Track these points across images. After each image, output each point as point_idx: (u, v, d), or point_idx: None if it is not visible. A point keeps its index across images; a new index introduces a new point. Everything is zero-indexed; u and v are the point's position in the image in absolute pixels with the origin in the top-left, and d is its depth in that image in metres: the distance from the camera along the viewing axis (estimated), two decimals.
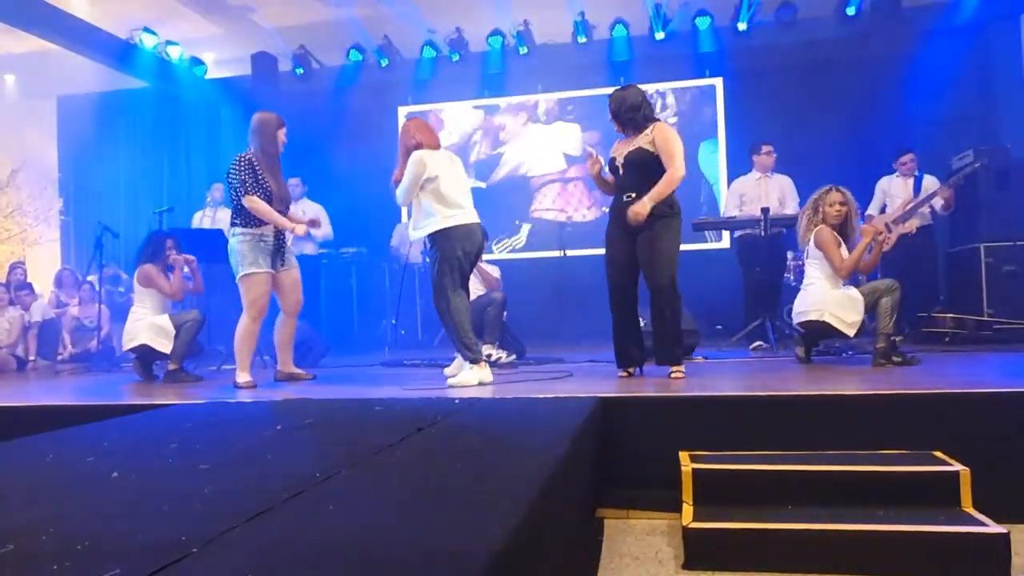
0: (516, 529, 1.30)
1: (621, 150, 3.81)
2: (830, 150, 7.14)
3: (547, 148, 8.31)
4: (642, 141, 3.70)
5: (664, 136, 3.65)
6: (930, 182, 5.89)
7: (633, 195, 3.67)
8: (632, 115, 3.73)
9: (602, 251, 3.91)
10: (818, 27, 7.43)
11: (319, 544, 1.24)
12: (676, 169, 3.60)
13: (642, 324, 4.86)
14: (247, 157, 4.02)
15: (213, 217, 6.77)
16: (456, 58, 8.13)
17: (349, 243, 7.35)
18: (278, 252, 4.08)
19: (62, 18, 7.06)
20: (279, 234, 4.09)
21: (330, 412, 2.81)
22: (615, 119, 3.80)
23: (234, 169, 3.99)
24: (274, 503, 1.49)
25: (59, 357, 6.58)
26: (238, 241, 3.98)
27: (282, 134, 4.11)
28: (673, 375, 3.68)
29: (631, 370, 3.87)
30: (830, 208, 4.17)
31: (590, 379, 3.83)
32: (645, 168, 3.66)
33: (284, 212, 4.12)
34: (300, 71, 8.38)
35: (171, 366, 4.52)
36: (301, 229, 4.12)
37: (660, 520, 2.77)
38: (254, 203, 3.95)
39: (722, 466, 2.62)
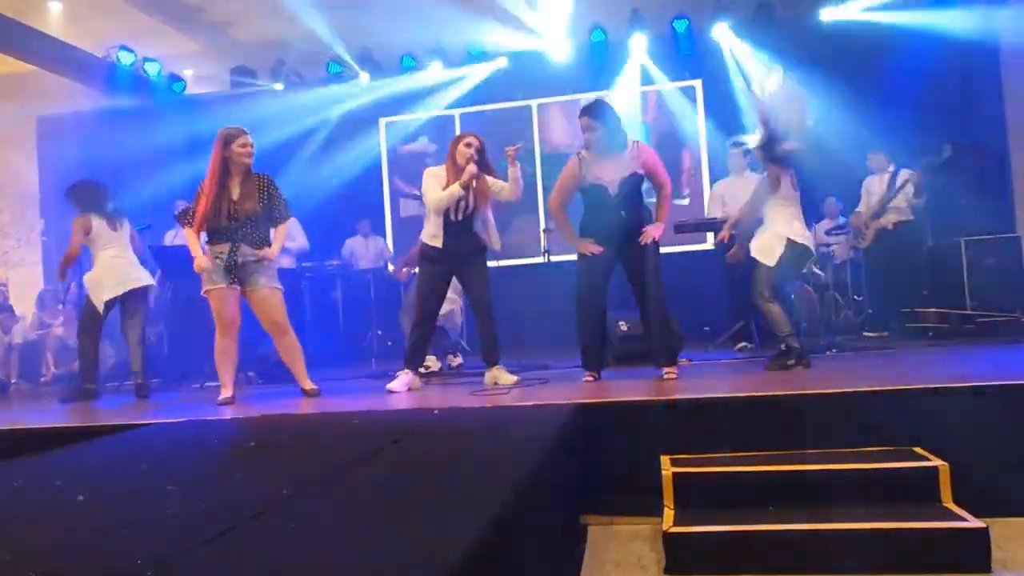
0: (478, 542, 1.27)
1: (610, 175, 3.77)
2: (811, 148, 7.16)
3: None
4: (632, 165, 3.77)
5: (652, 159, 3.83)
6: (906, 175, 5.93)
7: (624, 211, 3.79)
8: (621, 130, 3.80)
9: None
10: (796, 25, 7.46)
11: (275, 566, 1.21)
12: (668, 182, 3.87)
13: (625, 328, 4.90)
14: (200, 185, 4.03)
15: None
16: (436, 68, 8.13)
17: (331, 256, 7.33)
18: (231, 268, 3.99)
19: (38, 38, 7.02)
20: (232, 251, 3.99)
21: (307, 427, 2.78)
22: (611, 135, 3.73)
23: None
24: (236, 523, 1.46)
25: (42, 379, 6.52)
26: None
27: (238, 145, 3.95)
28: (667, 375, 3.77)
29: (598, 373, 3.93)
30: None
31: (572, 385, 3.81)
32: (632, 190, 3.82)
33: (244, 227, 3.98)
34: (279, 85, 8.37)
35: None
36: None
37: (644, 525, 2.75)
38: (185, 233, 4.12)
39: (702, 469, 2.61)
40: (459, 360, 5.69)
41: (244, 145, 3.98)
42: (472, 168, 3.94)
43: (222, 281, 3.98)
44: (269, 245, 4.06)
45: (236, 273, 4.00)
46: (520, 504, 1.62)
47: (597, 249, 3.82)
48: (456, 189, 3.94)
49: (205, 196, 3.95)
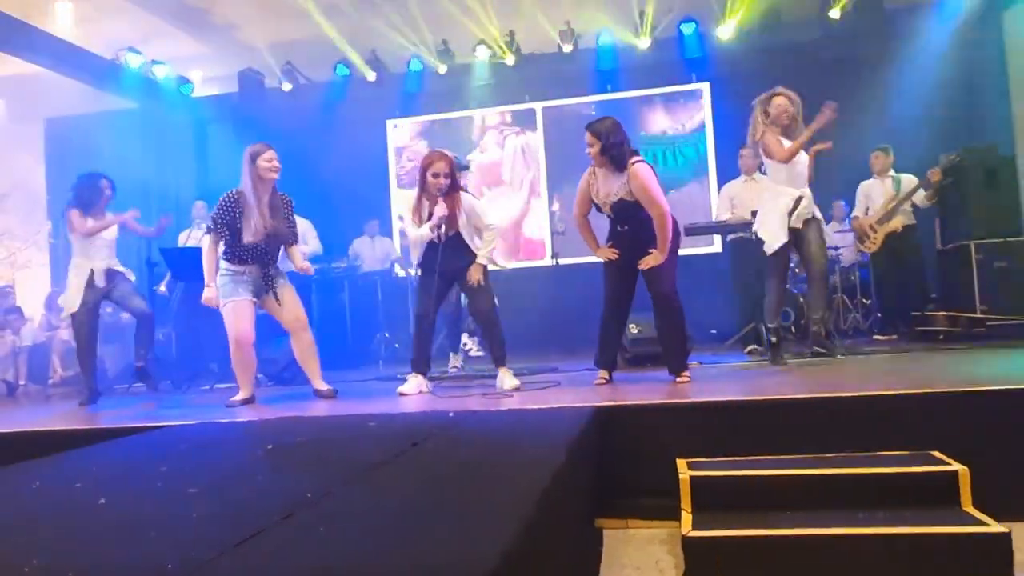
0: (511, 545, 1.27)
1: (604, 196, 3.78)
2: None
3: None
4: (621, 190, 3.72)
5: (640, 184, 3.67)
6: (908, 181, 5.91)
7: (626, 227, 3.80)
8: (618, 150, 3.70)
9: (595, 259, 4.00)
10: (802, 30, 7.47)
11: (307, 569, 1.21)
12: (662, 213, 3.67)
13: (636, 331, 4.90)
14: (228, 195, 4.00)
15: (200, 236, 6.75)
16: (443, 70, 8.15)
17: (338, 258, 7.33)
18: (264, 283, 4.05)
19: (47, 40, 7.03)
20: (264, 270, 4.04)
21: (323, 429, 2.78)
22: (603, 153, 3.69)
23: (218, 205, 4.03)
24: (263, 526, 1.46)
25: (50, 381, 6.52)
26: (220, 275, 4.00)
27: (263, 160, 3.95)
28: (680, 380, 3.77)
29: (609, 375, 3.96)
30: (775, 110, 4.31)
31: (586, 388, 3.80)
32: (630, 211, 3.77)
33: (272, 247, 4.03)
34: (287, 87, 8.38)
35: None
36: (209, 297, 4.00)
37: (660, 529, 2.75)
38: (204, 245, 4.04)
39: (720, 472, 2.60)
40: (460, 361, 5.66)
41: (269, 160, 3.97)
42: (441, 211, 3.95)
43: (246, 294, 4.00)
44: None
45: (269, 288, 4.05)
46: (544, 508, 1.62)
47: (613, 254, 3.84)
48: (426, 232, 4.00)
49: (243, 212, 3.94)
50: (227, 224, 3.96)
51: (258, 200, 3.95)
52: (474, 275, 4.04)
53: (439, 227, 3.99)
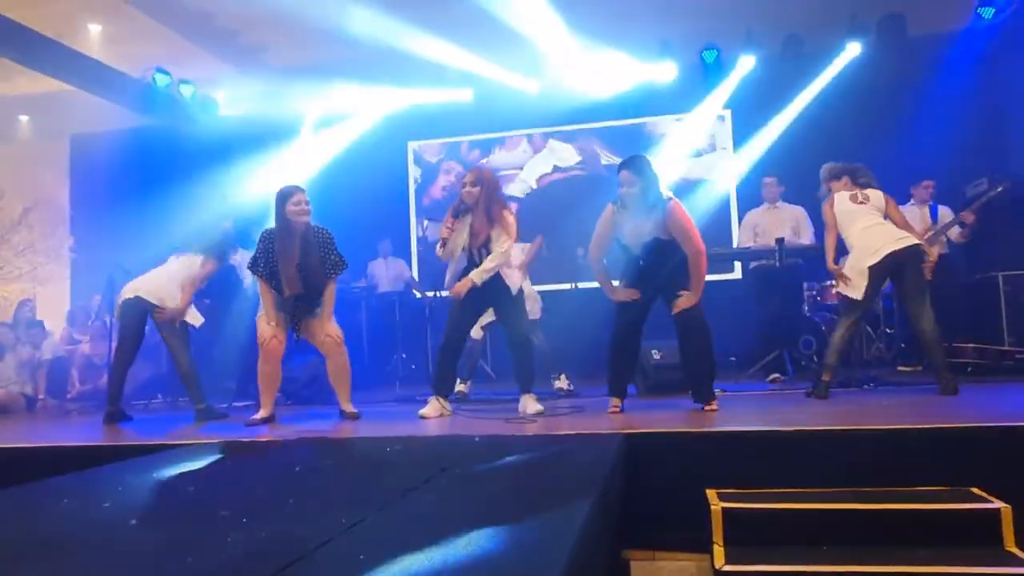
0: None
1: (633, 236, 3.72)
2: None
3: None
4: (656, 230, 3.65)
5: (679, 222, 3.63)
6: (946, 212, 5.83)
7: (650, 263, 3.74)
8: (655, 188, 3.64)
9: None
10: (825, 57, 7.47)
11: None
12: (699, 252, 3.66)
13: (659, 357, 4.86)
14: (263, 234, 4.10)
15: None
16: (468, 95, 8.20)
17: (358, 279, 7.34)
18: (296, 319, 4.13)
19: (76, 58, 7.14)
20: (296, 307, 4.10)
21: (348, 452, 2.75)
22: (642, 192, 3.61)
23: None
24: (303, 553, 1.43)
25: (68, 396, 6.53)
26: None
27: (292, 204, 4.00)
28: (708, 409, 3.71)
29: (621, 403, 3.88)
30: None
31: (608, 415, 3.74)
32: (662, 250, 3.72)
33: (303, 289, 4.03)
34: (312, 106, 8.46)
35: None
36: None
37: (688, 561, 2.69)
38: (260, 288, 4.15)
39: (753, 505, 2.54)
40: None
41: (298, 203, 4.02)
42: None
43: (283, 312, 4.09)
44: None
45: (297, 320, 4.11)
46: (585, 541, 1.58)
47: (634, 295, 3.76)
48: (444, 253, 4.06)
49: (279, 259, 3.99)
50: (265, 262, 4.03)
51: (288, 239, 4.00)
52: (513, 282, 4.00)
53: (445, 244, 4.01)
